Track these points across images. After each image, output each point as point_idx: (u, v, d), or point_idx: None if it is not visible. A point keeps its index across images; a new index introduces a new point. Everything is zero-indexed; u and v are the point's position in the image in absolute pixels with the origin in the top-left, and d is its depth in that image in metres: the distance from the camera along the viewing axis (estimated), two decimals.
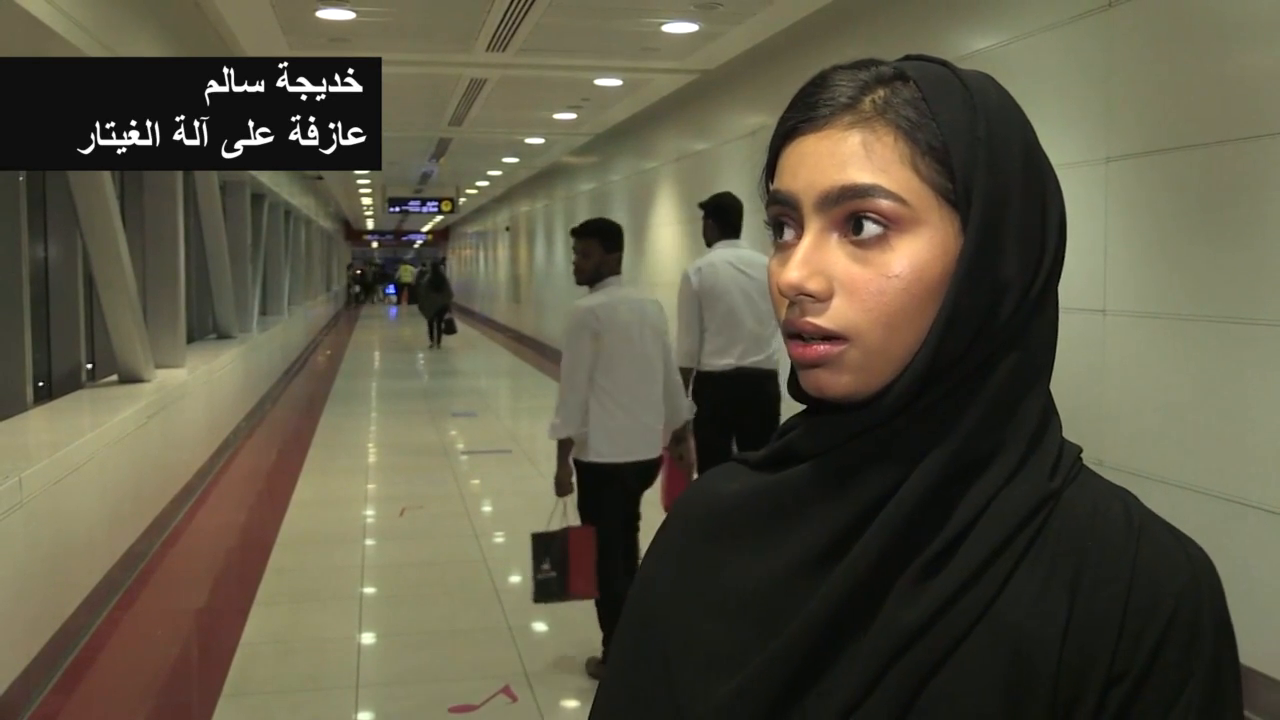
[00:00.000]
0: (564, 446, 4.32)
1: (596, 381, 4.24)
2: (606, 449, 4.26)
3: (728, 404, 5.11)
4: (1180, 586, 0.74)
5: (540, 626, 5.06)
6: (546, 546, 4.32)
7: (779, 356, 5.12)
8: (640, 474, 4.36)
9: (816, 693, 0.75)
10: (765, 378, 5.11)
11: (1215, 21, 4.02)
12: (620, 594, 4.19)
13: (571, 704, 4.17)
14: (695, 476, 4.63)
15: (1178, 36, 4.19)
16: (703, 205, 5.40)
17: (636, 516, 4.47)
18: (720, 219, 5.28)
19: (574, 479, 4.38)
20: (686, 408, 4.60)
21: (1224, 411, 3.97)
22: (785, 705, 0.76)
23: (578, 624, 5.07)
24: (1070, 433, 0.81)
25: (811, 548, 0.78)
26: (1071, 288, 4.68)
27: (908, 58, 0.80)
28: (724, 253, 5.20)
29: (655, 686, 0.84)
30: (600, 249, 4.35)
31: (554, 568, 4.31)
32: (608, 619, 4.31)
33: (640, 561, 0.93)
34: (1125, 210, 4.47)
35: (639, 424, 4.29)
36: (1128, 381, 4.44)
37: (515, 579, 5.83)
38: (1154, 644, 0.72)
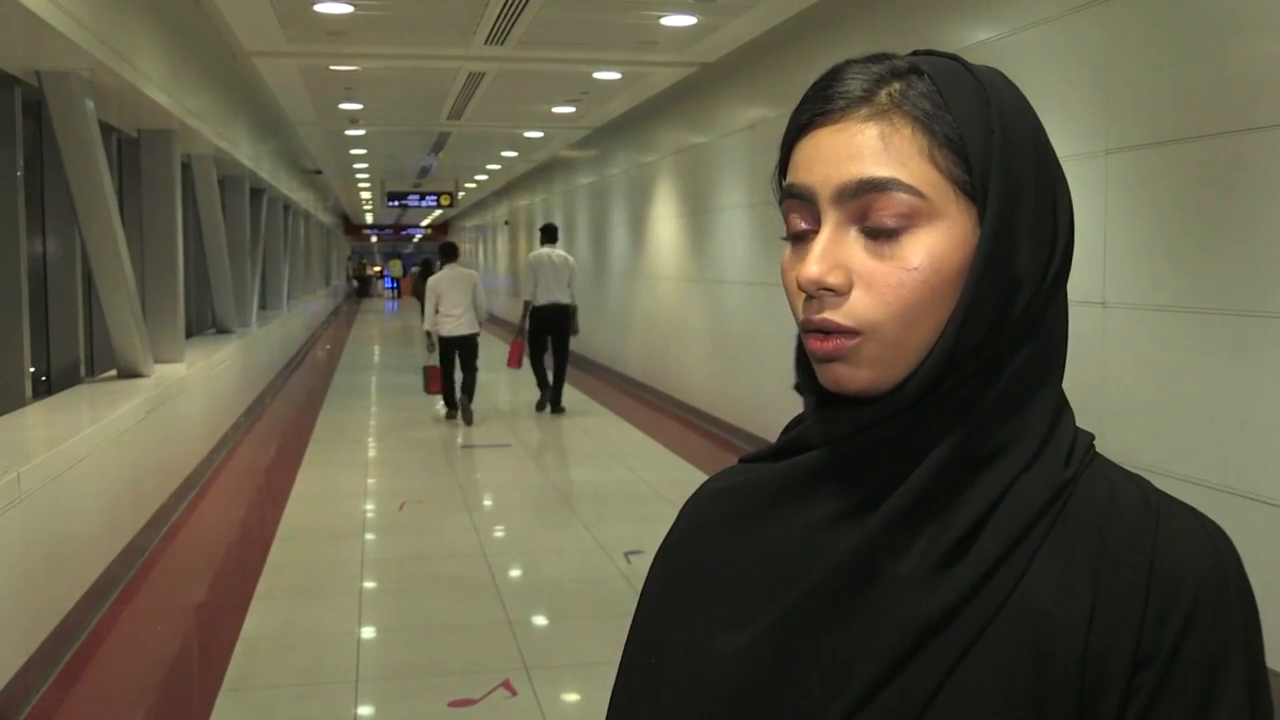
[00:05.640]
0: (429, 333, 10.47)
1: (439, 305, 10.39)
2: (444, 330, 10.42)
3: (544, 320, 10.90)
4: (1202, 565, 0.73)
5: (540, 620, 5.06)
6: (423, 370, 10.69)
7: (569, 298, 10.96)
8: (456, 342, 10.46)
9: (827, 673, 0.75)
10: (562, 308, 10.93)
11: (1215, 13, 4.01)
12: (450, 393, 10.62)
13: (571, 698, 4.17)
14: (522, 351, 11.33)
15: (1178, 28, 4.18)
16: (541, 229, 11.47)
17: (469, 365, 10.55)
18: (546, 236, 11.29)
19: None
20: (485, 313, 10.74)
21: (1225, 403, 3.97)
22: (795, 680, 0.76)
23: (578, 619, 5.08)
24: None
25: (823, 524, 0.78)
26: (1071, 280, 4.62)
27: (918, 53, 0.80)
28: (546, 249, 11.07)
29: (661, 658, 0.85)
30: (448, 255, 10.82)
31: (425, 380, 10.61)
32: (448, 401, 10.70)
33: None
34: (1125, 202, 4.47)
35: (454, 321, 10.39)
36: (1128, 374, 4.44)
37: (515, 573, 5.83)
38: (1180, 625, 0.72)
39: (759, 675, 0.77)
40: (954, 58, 0.79)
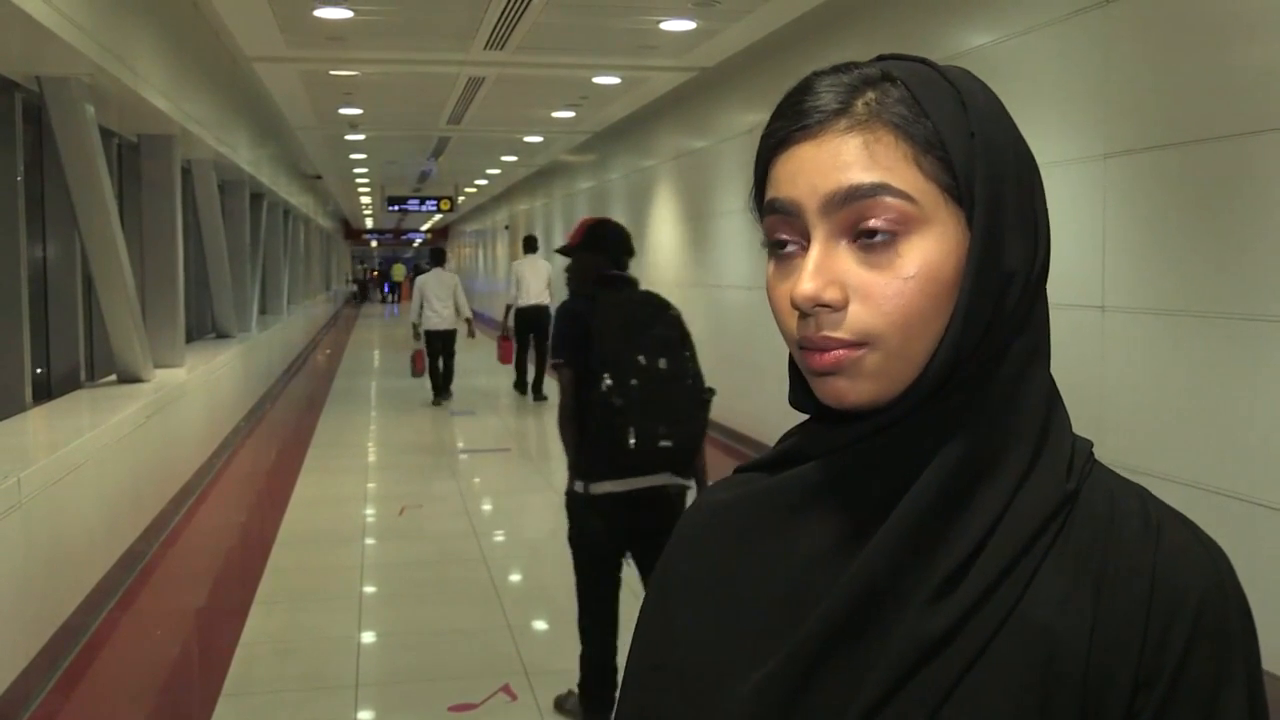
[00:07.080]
0: (415, 326, 12.12)
1: (425, 302, 12.05)
2: (429, 323, 12.08)
3: (526, 319, 12.46)
4: (1204, 583, 0.72)
5: (540, 625, 5.06)
6: (411, 356, 12.33)
7: (546, 299, 12.33)
8: (439, 336, 12.18)
9: (834, 694, 0.74)
10: (541, 309, 12.24)
11: (1212, 17, 4.01)
12: (435, 379, 12.31)
13: None
14: (512, 350, 13.16)
15: (1175, 33, 4.19)
16: (524, 239, 13.46)
17: (451, 355, 12.33)
18: (528, 246, 13.08)
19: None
20: (467, 310, 12.43)
21: (1221, 407, 3.97)
22: (802, 706, 0.75)
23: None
24: None
25: (825, 543, 0.77)
26: (1070, 284, 4.68)
27: (884, 58, 0.79)
28: (527, 258, 12.74)
29: (669, 690, 0.83)
30: (435, 259, 12.73)
31: (413, 365, 12.19)
32: (434, 387, 12.28)
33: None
34: (1123, 207, 4.47)
35: (438, 315, 12.08)
36: (1125, 377, 4.44)
37: (515, 577, 5.83)
38: (1182, 648, 0.71)
39: (774, 711, 0.76)
40: (923, 61, 0.78)
